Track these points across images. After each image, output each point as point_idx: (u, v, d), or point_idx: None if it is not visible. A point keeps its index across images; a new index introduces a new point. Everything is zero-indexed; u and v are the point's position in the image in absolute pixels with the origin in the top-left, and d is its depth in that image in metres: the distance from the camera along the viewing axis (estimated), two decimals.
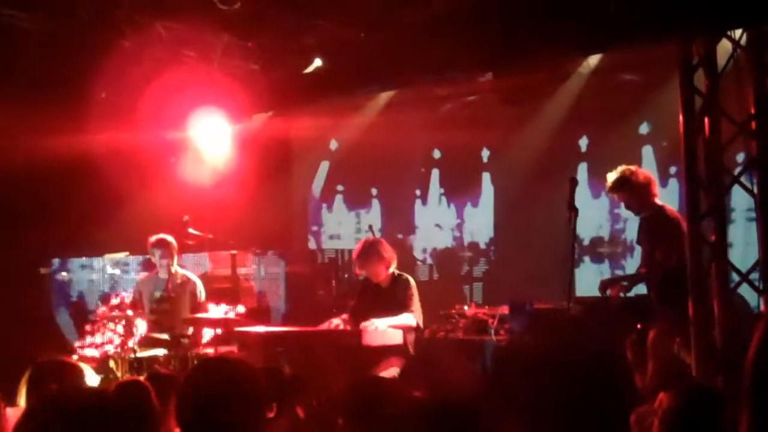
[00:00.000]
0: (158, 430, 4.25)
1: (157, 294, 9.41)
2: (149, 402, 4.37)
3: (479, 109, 11.61)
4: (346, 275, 11.55)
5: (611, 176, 7.79)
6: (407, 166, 12.82)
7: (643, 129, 10.76)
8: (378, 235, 10.75)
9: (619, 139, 10.57)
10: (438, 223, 12.77)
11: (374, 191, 13.21)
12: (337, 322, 8.60)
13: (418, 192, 12.90)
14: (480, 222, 12.46)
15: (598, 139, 10.98)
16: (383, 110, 12.11)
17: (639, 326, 7.61)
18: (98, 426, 3.16)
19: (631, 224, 9.18)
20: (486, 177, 12.39)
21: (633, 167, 7.85)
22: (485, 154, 12.32)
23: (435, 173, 12.71)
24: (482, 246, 12.38)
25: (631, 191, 7.72)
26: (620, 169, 7.83)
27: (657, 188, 7.83)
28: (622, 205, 8.07)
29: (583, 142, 11.25)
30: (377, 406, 4.34)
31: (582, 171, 10.94)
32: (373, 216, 13.00)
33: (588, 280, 10.11)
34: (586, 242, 10.95)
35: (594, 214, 10.79)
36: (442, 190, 12.72)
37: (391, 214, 13.02)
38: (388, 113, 12.06)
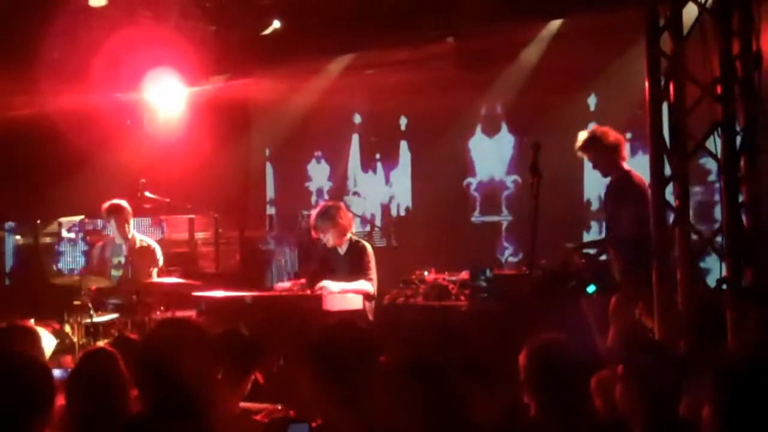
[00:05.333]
0: (128, 396, 4.20)
1: (116, 260, 9.27)
2: (118, 369, 4.32)
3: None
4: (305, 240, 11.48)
5: (582, 135, 7.81)
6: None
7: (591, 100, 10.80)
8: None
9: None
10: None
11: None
12: (286, 286, 8.59)
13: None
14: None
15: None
16: (342, 73, 11.97)
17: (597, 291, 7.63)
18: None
19: None
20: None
21: (605, 128, 7.86)
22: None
23: (403, 144, 12.58)
24: None
25: (599, 151, 7.73)
26: (591, 128, 7.84)
27: (626, 152, 7.84)
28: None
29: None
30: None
31: None
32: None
33: None
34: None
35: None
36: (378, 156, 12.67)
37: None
38: (346, 76, 11.94)
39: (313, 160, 13.08)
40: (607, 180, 7.93)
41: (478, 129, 11.87)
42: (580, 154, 7.89)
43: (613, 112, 9.83)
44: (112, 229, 9.33)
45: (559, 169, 8.09)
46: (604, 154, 7.72)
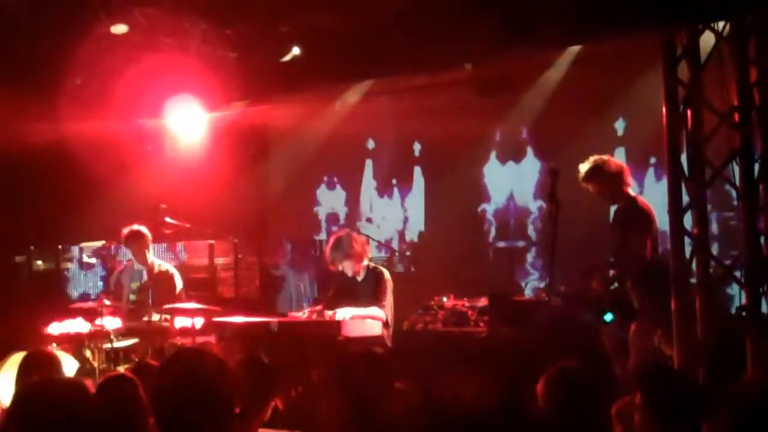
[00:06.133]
0: (147, 422, 4.22)
1: (134, 285, 9.32)
2: (137, 396, 4.35)
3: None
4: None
5: (583, 167, 7.80)
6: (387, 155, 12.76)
7: (619, 124, 10.77)
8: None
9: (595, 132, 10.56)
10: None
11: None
12: (307, 312, 8.61)
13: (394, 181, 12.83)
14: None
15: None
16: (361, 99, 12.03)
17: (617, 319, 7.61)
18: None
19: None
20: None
21: (605, 156, 7.87)
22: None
23: (417, 170, 12.63)
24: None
25: (604, 181, 7.74)
26: (592, 158, 7.84)
27: (629, 178, 7.84)
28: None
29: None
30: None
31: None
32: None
33: None
34: None
35: None
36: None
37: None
38: (366, 102, 12.00)
39: (323, 186, 13.14)
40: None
41: (493, 155, 11.87)
42: (584, 185, 7.89)
43: (642, 136, 9.81)
44: (131, 255, 9.39)
45: (586, 194, 8.08)
46: (608, 183, 7.72)
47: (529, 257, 11.62)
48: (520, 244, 11.66)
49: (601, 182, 7.78)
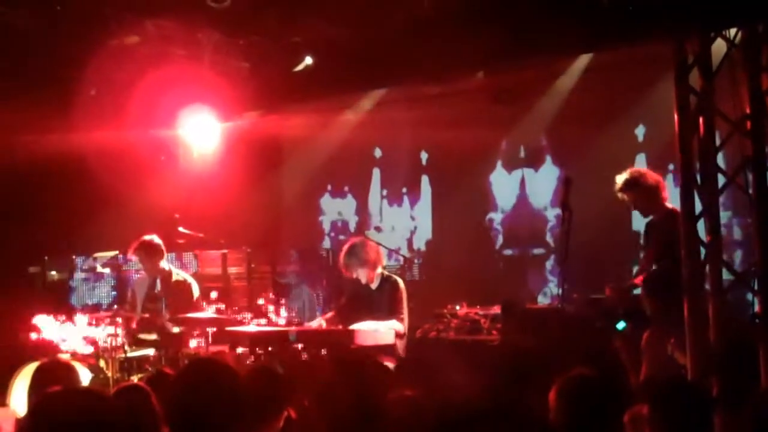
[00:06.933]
0: None
1: (145, 294, 9.35)
2: (150, 406, 4.36)
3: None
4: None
5: (620, 177, 7.83)
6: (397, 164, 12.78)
7: (639, 131, 10.73)
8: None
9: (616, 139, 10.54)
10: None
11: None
12: (319, 322, 8.61)
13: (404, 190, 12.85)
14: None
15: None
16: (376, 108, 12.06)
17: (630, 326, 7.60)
18: None
19: None
20: None
21: (643, 169, 7.90)
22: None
23: (424, 179, 12.64)
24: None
25: (640, 193, 7.77)
26: (630, 170, 7.88)
27: (665, 191, 7.84)
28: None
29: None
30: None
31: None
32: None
33: None
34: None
35: None
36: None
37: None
38: (379, 111, 12.03)
39: (332, 195, 13.16)
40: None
41: (500, 163, 11.88)
42: (620, 195, 7.90)
43: (661, 143, 9.77)
44: (141, 265, 9.42)
45: (606, 201, 8.08)
46: (645, 196, 7.74)
47: (548, 265, 11.60)
48: (536, 251, 11.65)
49: (638, 194, 7.81)
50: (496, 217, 11.90)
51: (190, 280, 9.46)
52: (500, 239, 11.89)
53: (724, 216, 9.43)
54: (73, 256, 11.94)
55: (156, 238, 9.32)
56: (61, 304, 11.74)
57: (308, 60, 10.15)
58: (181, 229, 9.91)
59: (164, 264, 9.34)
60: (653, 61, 9.14)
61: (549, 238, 11.61)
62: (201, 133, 11.38)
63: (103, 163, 10.79)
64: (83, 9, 8.97)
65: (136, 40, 9.63)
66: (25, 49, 9.39)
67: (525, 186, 11.76)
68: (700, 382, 5.95)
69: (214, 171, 11.51)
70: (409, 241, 12.55)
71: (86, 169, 10.81)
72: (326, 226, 13.25)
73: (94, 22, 9.18)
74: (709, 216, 6.38)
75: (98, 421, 3.27)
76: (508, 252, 11.88)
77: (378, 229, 12.59)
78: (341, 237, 12.55)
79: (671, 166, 9.08)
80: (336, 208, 13.17)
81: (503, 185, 11.90)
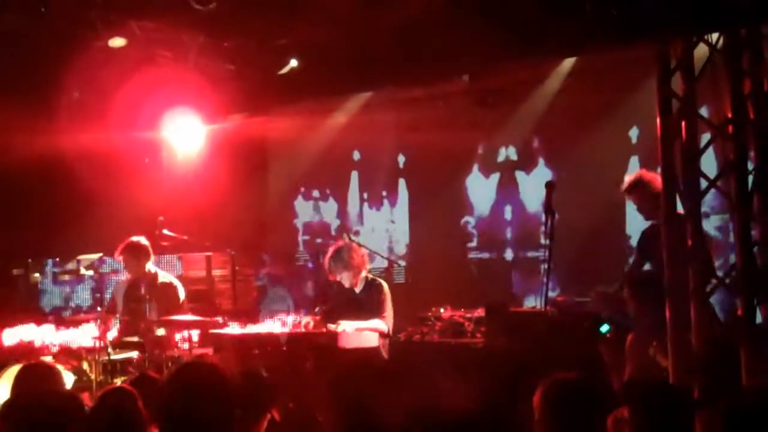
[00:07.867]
0: None
1: (126, 296, 9.32)
2: (136, 408, 4.37)
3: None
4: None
5: (628, 178, 7.87)
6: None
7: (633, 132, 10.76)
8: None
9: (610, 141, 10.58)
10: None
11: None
12: (306, 320, 8.60)
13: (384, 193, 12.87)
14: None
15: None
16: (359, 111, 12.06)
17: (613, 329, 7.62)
18: None
19: None
20: None
21: (653, 174, 7.92)
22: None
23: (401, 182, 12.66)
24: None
25: (645, 197, 7.74)
26: (639, 172, 7.89)
27: None
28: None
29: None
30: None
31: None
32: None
33: None
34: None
35: None
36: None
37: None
38: (359, 114, 12.04)
39: (309, 198, 13.20)
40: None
41: (476, 168, 11.90)
42: (625, 196, 7.93)
43: (655, 145, 9.76)
44: (127, 266, 9.39)
45: (600, 203, 8.07)
46: (650, 200, 7.73)
47: (542, 268, 11.59)
48: (531, 254, 11.63)
49: (644, 197, 7.79)
50: (471, 220, 11.93)
51: (176, 282, 9.43)
52: (475, 242, 11.92)
53: (721, 218, 9.50)
54: (57, 259, 11.92)
55: (143, 240, 9.28)
56: (44, 306, 11.75)
57: (293, 62, 10.17)
58: (165, 231, 9.89)
59: (150, 266, 9.31)
60: (647, 64, 9.20)
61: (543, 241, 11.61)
62: (185, 136, 11.38)
63: (87, 165, 10.78)
64: (68, 11, 8.95)
65: (122, 44, 9.62)
66: (9, 51, 9.36)
67: (503, 189, 11.79)
68: (682, 384, 5.97)
69: (199, 173, 11.51)
70: (390, 245, 12.55)
71: (70, 171, 10.80)
72: (308, 230, 13.24)
73: (79, 24, 9.18)
74: (691, 219, 6.41)
75: (70, 424, 3.29)
76: (484, 255, 11.90)
77: (357, 233, 12.59)
78: (318, 240, 12.59)
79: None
80: (318, 211, 13.16)
81: (479, 189, 11.92)
